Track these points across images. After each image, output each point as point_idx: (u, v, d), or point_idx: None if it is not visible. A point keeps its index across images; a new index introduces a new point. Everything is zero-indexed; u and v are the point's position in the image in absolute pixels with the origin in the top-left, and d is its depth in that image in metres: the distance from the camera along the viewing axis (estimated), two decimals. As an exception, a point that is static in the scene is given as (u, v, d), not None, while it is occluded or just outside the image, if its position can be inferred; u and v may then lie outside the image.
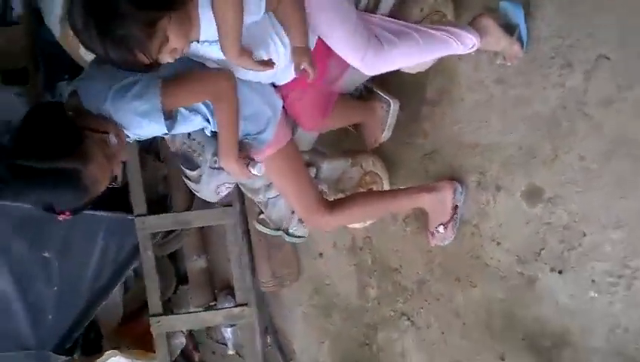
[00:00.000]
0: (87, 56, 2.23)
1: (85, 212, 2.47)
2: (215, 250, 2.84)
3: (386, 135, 1.97)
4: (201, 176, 1.60)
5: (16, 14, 3.28)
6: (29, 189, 1.24)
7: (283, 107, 1.60)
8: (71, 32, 1.59)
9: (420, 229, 2.06)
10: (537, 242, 1.76)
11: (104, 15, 1.14)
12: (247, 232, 2.59)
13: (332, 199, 1.84)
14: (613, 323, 1.64)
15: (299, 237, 2.03)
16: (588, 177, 1.63)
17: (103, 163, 1.27)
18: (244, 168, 1.43)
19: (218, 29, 1.26)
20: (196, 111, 1.41)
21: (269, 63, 1.36)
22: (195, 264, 2.87)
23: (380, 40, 1.51)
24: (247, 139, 1.50)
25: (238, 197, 2.54)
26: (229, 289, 2.77)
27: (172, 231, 2.78)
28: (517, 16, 1.65)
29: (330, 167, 1.94)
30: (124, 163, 1.42)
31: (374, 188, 2.01)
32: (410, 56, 1.58)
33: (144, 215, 2.55)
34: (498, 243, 1.86)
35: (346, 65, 1.61)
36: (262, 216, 2.09)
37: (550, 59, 1.66)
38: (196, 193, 1.72)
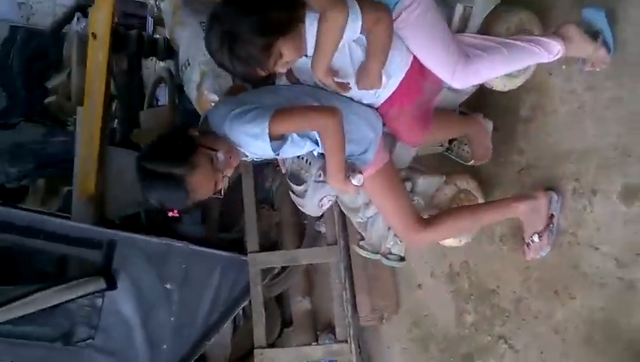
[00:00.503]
0: None
1: (205, 250, 2.84)
2: (319, 291, 2.97)
3: None
4: (306, 191, 1.75)
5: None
6: (150, 187, 1.52)
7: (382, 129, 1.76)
8: (204, 94, 2.07)
9: (516, 246, 2.05)
10: (636, 242, 1.70)
11: (233, 39, 1.45)
12: (349, 268, 2.71)
13: (426, 216, 1.91)
14: None
15: (397, 260, 2.10)
16: (688, 168, 1.60)
17: (207, 174, 1.51)
18: (350, 185, 1.59)
19: (316, 46, 1.49)
20: (307, 137, 1.59)
21: (345, 87, 1.59)
22: (300, 305, 3.00)
23: (469, 55, 1.68)
24: (350, 159, 1.66)
25: (342, 234, 2.70)
26: (330, 328, 2.83)
27: (280, 274, 2.99)
28: (600, 21, 1.76)
29: (425, 183, 2.03)
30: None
31: None
32: (497, 67, 1.71)
33: (256, 251, 2.78)
34: (596, 249, 1.81)
35: (439, 86, 1.80)
36: (362, 242, 2.20)
37: (639, 59, 1.72)
38: (301, 208, 1.86)
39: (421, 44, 1.64)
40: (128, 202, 3.32)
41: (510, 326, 2.05)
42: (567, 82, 1.92)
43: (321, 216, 2.86)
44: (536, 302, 1.98)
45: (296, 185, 1.77)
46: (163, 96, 4.46)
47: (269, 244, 2.96)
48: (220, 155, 1.53)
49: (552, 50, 1.73)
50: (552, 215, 1.88)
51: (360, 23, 1.45)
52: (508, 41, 1.73)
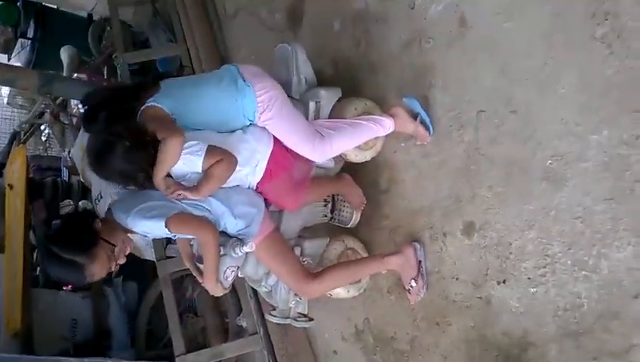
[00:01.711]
0: (134, 237, 3.02)
1: None
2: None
3: (355, 218, 2.52)
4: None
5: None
6: (52, 266, 1.83)
7: (266, 204, 2.18)
8: None
9: (401, 294, 2.42)
10: (482, 265, 2.12)
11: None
12: (272, 353, 2.95)
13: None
14: (555, 308, 1.88)
15: (305, 321, 2.42)
16: (499, 199, 2.06)
17: (104, 264, 1.87)
18: (220, 288, 2.01)
19: (157, 161, 1.83)
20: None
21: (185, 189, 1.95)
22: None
23: (323, 134, 2.19)
24: (240, 233, 2.06)
25: (261, 324, 2.98)
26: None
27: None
28: (415, 106, 2.30)
29: (312, 245, 2.42)
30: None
31: None
32: (345, 140, 2.22)
33: (183, 354, 2.98)
34: (457, 279, 2.21)
35: (310, 165, 2.27)
36: (273, 312, 2.52)
37: (449, 127, 2.25)
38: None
39: (283, 132, 2.12)
40: (56, 339, 3.44)
41: (410, 365, 2.36)
42: (407, 155, 2.43)
43: (241, 310, 3.14)
44: (425, 336, 2.32)
45: (202, 263, 2.06)
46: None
47: (197, 348, 3.15)
48: (117, 250, 1.89)
49: (385, 126, 2.25)
50: (420, 261, 2.31)
51: (201, 162, 1.88)
52: (353, 120, 2.26)
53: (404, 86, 2.41)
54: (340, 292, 2.44)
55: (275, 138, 2.16)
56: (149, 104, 1.95)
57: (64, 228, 1.92)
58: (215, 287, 2.00)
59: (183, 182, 1.93)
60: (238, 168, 1.97)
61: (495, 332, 2.07)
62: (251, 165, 2.05)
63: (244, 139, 2.06)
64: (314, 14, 2.40)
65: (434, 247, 2.30)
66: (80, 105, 2.23)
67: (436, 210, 2.29)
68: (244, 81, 2.05)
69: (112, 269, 1.92)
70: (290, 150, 2.18)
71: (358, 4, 2.69)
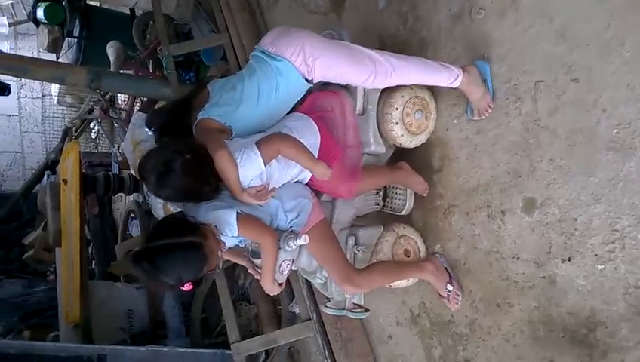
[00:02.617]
0: None
1: (191, 350, 3.08)
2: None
3: (409, 205, 2.45)
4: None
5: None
6: (166, 261, 1.73)
7: (316, 194, 2.18)
8: (170, 210, 2.52)
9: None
10: (545, 243, 2.02)
11: None
12: (326, 339, 2.92)
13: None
14: (625, 285, 1.78)
15: (361, 312, 2.38)
16: (562, 173, 1.96)
17: (215, 242, 1.85)
18: (277, 287, 2.06)
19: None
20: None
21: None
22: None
23: (383, 59, 2.08)
24: (292, 225, 2.07)
25: (314, 310, 2.96)
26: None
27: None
28: (485, 72, 2.19)
29: (366, 234, 2.37)
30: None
31: (409, 249, 2.40)
32: (409, 69, 2.11)
33: (238, 341, 2.99)
34: (517, 258, 2.12)
35: (359, 150, 2.23)
36: (328, 303, 2.48)
37: (505, 100, 2.16)
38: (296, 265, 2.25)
39: (337, 67, 2.05)
40: (114, 330, 3.52)
41: (471, 348, 2.28)
42: (461, 132, 2.35)
43: (293, 297, 3.12)
44: (485, 319, 2.24)
45: (257, 259, 2.07)
46: (135, 229, 4.77)
47: (251, 335, 3.16)
48: (215, 230, 1.87)
49: (453, 75, 2.14)
50: (446, 267, 2.29)
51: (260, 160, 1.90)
52: (423, 59, 2.17)
53: (456, 60, 2.31)
54: (401, 283, 2.38)
55: (321, 128, 2.12)
56: (200, 118, 2.00)
57: (159, 227, 1.91)
58: (273, 287, 2.05)
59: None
60: (290, 167, 2.02)
61: (560, 312, 1.97)
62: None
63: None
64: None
65: (492, 227, 2.22)
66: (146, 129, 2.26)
67: (493, 186, 2.20)
68: (273, 57, 2.02)
69: (222, 250, 1.88)
70: (338, 140, 2.15)
71: (403, -21, 2.61)
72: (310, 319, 2.93)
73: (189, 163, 1.83)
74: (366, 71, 2.04)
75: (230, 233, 1.89)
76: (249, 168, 1.89)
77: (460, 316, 2.34)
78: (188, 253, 1.76)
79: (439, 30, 2.42)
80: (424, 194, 2.44)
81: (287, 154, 1.97)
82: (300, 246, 1.99)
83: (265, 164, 1.91)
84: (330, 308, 2.42)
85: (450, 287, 2.26)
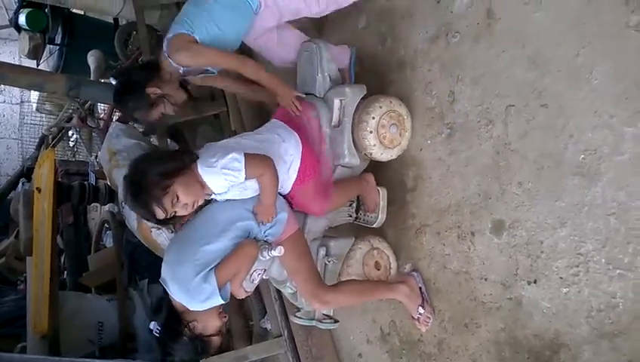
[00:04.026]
0: (159, 238, 3.04)
1: None
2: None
3: (381, 218, 2.46)
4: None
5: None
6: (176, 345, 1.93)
7: (291, 206, 2.18)
8: (143, 223, 2.54)
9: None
10: (512, 265, 2.05)
11: (136, 186, 1.83)
12: (297, 357, 2.91)
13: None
14: (588, 308, 1.81)
15: (331, 323, 2.38)
16: (530, 196, 1.99)
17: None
18: (243, 292, 2.04)
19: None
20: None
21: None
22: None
23: None
24: (266, 235, 2.06)
25: (286, 326, 2.94)
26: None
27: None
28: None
29: (338, 245, 2.37)
30: None
31: (380, 263, 2.41)
32: None
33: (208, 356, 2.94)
34: (486, 279, 2.14)
35: (329, 166, 2.25)
36: (297, 313, 2.49)
37: (478, 123, 2.19)
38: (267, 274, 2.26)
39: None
40: (83, 342, 3.46)
41: (438, 368, 2.29)
42: (434, 153, 2.38)
43: (265, 313, 3.11)
44: (453, 339, 2.25)
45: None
46: (109, 240, 4.71)
47: (221, 351, 3.12)
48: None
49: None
50: (421, 287, 2.31)
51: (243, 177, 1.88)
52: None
53: (431, 81, 2.35)
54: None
55: (303, 141, 2.13)
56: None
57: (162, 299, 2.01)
58: (239, 291, 2.02)
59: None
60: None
61: (526, 334, 1.99)
62: (285, 168, 2.05)
63: (274, 141, 2.08)
64: (338, 13, 2.38)
65: (462, 247, 2.24)
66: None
67: (464, 207, 2.23)
68: None
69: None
70: (316, 154, 2.18)
71: (383, 1, 2.65)
72: (281, 335, 2.92)
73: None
74: None
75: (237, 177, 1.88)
76: (227, 176, 1.87)
77: (428, 335, 2.35)
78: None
79: (416, 52, 2.46)
80: (374, 212, 2.47)
81: (264, 183, 1.96)
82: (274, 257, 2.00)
83: (245, 179, 1.90)
84: (300, 317, 2.42)
85: (421, 311, 2.27)
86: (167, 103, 2.23)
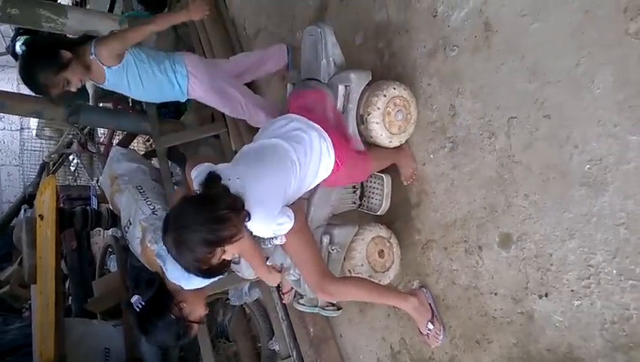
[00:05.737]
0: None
1: None
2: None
3: (385, 205, 2.44)
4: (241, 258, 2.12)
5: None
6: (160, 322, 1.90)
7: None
8: (147, 246, 2.51)
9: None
10: (522, 279, 2.02)
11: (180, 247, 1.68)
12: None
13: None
14: (602, 321, 1.78)
15: (334, 310, 2.36)
16: (536, 208, 1.97)
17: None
18: (273, 277, 2.10)
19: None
20: None
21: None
22: None
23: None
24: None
25: (294, 346, 2.91)
26: None
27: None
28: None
29: (341, 233, 2.31)
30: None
31: (385, 251, 2.37)
32: None
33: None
34: (496, 294, 2.11)
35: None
36: (300, 300, 2.46)
37: (480, 135, 2.18)
38: (238, 274, 2.23)
39: None
40: (89, 370, 3.42)
41: (451, 386, 2.25)
42: (437, 167, 2.36)
43: (273, 334, 3.07)
44: (465, 355, 2.22)
45: (235, 263, 2.09)
46: (113, 264, 4.69)
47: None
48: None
49: None
50: (430, 304, 2.27)
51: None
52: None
53: (431, 95, 2.34)
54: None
55: (328, 129, 2.11)
56: None
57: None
58: (270, 275, 2.09)
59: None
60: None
61: (539, 348, 1.96)
62: (320, 171, 2.08)
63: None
64: (334, 30, 2.37)
65: (470, 262, 2.21)
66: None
67: (470, 221, 2.20)
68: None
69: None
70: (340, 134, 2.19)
71: (379, 17, 2.65)
72: (290, 356, 2.89)
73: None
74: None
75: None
76: (275, 231, 1.89)
77: (440, 353, 2.32)
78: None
79: (415, 67, 2.45)
80: (405, 183, 2.44)
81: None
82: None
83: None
84: (303, 304, 2.40)
85: (431, 326, 2.23)
86: (75, 71, 2.34)
